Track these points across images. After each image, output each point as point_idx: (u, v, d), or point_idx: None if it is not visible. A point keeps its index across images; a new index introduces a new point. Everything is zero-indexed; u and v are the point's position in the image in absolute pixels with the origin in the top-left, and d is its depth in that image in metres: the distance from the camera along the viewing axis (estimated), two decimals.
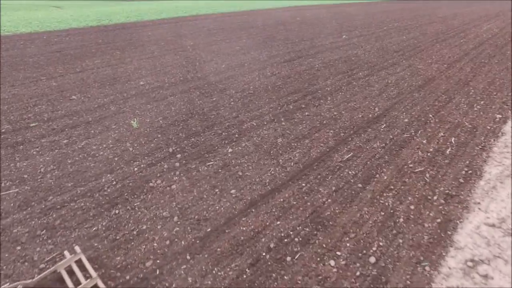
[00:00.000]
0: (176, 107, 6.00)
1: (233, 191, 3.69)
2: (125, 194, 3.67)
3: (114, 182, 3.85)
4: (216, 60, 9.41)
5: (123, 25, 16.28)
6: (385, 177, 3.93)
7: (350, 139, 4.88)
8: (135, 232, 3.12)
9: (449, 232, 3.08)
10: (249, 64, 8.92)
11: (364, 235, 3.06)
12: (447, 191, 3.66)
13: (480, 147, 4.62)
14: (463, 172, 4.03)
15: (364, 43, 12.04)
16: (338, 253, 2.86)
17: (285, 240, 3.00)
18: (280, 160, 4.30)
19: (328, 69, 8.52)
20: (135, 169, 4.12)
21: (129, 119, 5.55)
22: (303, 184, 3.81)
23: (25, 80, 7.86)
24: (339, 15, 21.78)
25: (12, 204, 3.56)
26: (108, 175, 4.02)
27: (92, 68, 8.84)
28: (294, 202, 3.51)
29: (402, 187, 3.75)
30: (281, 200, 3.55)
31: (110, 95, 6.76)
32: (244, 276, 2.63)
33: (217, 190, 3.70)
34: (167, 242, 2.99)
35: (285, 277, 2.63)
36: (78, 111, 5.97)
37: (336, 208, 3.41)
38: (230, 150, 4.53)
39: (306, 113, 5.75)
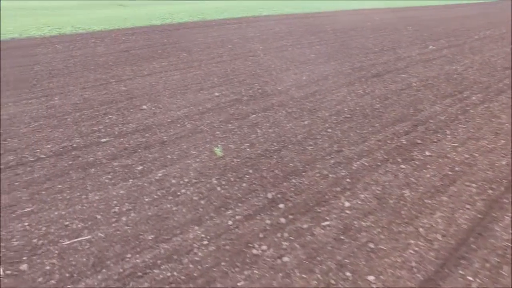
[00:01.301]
0: (263, 130, 5.06)
1: (370, 277, 2.63)
2: (222, 263, 2.75)
3: (206, 242, 2.97)
4: (293, 69, 8.40)
5: (186, 25, 15.90)
6: None
7: (505, 200, 3.61)
8: None
9: None
10: (333, 77, 7.80)
11: None
12: None
13: None
14: None
15: (459, 56, 10.38)
16: None
17: None
18: (420, 228, 3.17)
19: (430, 89, 7.15)
20: (229, 222, 3.21)
21: (209, 142, 4.71)
22: (466, 275, 2.65)
23: (95, 82, 7.43)
24: (411, 20, 19.84)
25: (85, 260, 2.79)
26: (196, 227, 3.15)
27: (160, 72, 8.26)
28: None
29: None
30: None
31: (183, 107, 6.01)
32: None
33: (347, 273, 2.66)
34: None
35: None
36: (150, 126, 5.26)
37: None
38: (346, 203, 3.47)
39: (427, 153, 4.53)
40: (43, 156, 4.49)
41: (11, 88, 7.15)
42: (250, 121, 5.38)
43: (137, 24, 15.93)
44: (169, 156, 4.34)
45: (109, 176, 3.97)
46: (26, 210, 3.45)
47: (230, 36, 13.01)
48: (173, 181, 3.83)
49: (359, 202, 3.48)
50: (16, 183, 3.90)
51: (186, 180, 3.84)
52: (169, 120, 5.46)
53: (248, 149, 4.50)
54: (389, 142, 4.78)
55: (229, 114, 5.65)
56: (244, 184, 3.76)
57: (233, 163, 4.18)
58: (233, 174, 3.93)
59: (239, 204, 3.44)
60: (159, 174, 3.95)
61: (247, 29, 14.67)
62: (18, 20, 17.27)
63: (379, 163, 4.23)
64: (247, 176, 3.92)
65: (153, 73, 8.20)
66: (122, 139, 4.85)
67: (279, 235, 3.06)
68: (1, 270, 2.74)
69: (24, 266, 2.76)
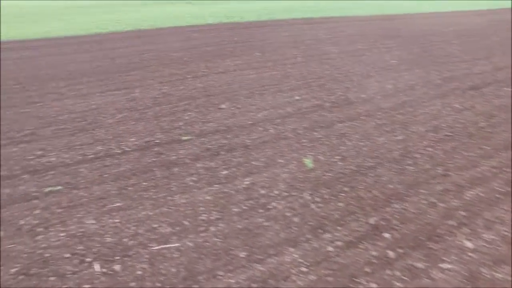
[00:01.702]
0: (352, 143, 4.62)
1: None
2: None
3: (304, 269, 2.65)
4: (376, 76, 7.78)
5: (255, 24, 15.81)
6: None
7: None
8: None
9: None
10: (421, 88, 7.07)
11: None
12: None
13: None
14: None
15: None
16: None
17: None
18: None
19: None
20: (329, 247, 2.85)
21: (296, 151, 4.40)
22: None
23: (171, 77, 7.52)
24: (501, 25, 17.76)
25: (175, 270, 2.63)
26: (292, 249, 2.84)
27: (234, 70, 8.16)
28: None
29: None
30: None
31: (263, 109, 5.78)
32: None
33: None
34: None
35: None
36: (231, 127, 5.09)
37: None
38: (467, 243, 2.93)
39: None
40: (128, 149, 4.52)
41: (98, 79, 7.51)
42: (337, 130, 4.97)
43: (208, 21, 16.22)
44: (254, 163, 4.11)
45: (194, 178, 3.84)
46: (115, 205, 3.41)
47: (302, 37, 12.62)
48: (262, 191, 3.57)
49: (485, 245, 2.91)
50: (105, 175, 3.92)
51: (276, 192, 3.56)
52: (250, 122, 5.25)
53: (339, 163, 4.10)
54: (507, 170, 4.07)
55: (312, 120, 5.29)
56: (340, 204, 3.38)
57: (325, 177, 3.82)
58: (327, 191, 3.57)
59: (338, 228, 3.07)
60: (246, 182, 3.72)
61: (318, 30, 14.16)
62: (97, 16, 18.59)
63: (499, 196, 3.58)
64: (342, 194, 3.53)
65: (227, 71, 8.13)
66: (203, 139, 4.74)
67: (389, 272, 2.63)
68: (98, 267, 2.68)
69: (117, 267, 2.67)
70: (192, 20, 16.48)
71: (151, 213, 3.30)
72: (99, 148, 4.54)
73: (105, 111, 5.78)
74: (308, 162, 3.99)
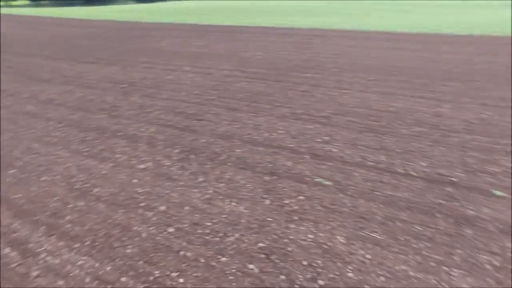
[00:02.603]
0: None
1: None
2: None
3: None
4: None
5: None
6: None
7: None
8: None
9: None
10: None
11: None
12: None
13: None
14: None
15: None
16: None
17: None
18: None
19: None
20: None
21: None
22: None
23: (503, 101, 5.77)
24: None
25: None
26: None
27: None
28: None
29: None
30: None
31: None
32: None
33: None
34: None
35: None
36: None
37: None
38: None
39: None
40: (413, 173, 3.75)
41: (408, 81, 6.98)
42: None
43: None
44: None
45: (486, 258, 2.58)
46: (372, 234, 2.82)
47: None
48: None
49: None
50: (377, 193, 3.38)
51: None
52: None
53: None
54: None
55: None
56: None
57: None
58: None
59: None
60: None
61: None
62: (447, 17, 17.63)
63: None
64: None
65: None
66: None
67: None
68: None
69: None
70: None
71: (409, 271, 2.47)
72: (382, 157, 4.04)
73: (404, 118, 5.18)
74: None
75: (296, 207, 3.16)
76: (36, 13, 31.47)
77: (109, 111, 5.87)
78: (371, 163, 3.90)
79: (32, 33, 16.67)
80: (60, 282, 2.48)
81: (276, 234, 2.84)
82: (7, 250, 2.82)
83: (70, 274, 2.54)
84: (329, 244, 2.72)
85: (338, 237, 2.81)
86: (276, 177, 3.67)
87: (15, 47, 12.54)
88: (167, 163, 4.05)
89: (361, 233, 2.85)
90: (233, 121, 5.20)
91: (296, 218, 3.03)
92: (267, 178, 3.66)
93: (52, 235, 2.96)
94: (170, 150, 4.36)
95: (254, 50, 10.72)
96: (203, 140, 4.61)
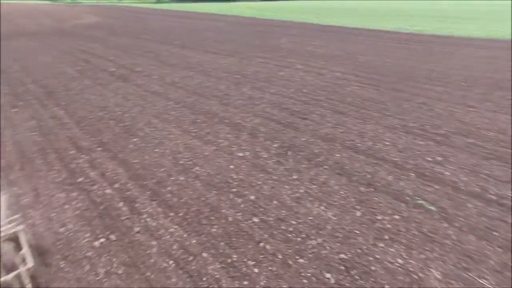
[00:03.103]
0: None
1: None
2: None
3: None
4: None
5: None
6: None
7: None
8: None
9: None
10: None
11: None
12: None
13: None
14: None
15: None
16: None
17: None
18: None
19: None
20: None
21: None
22: None
23: None
24: None
25: None
26: None
27: None
28: None
29: None
30: None
31: None
32: None
33: None
34: None
35: None
36: None
37: None
38: None
39: None
40: None
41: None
42: None
43: None
44: None
45: None
46: None
47: None
48: None
49: None
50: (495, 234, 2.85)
51: None
52: None
53: None
54: None
55: None
56: None
57: None
58: None
59: None
60: None
61: None
62: None
63: None
64: None
65: None
66: None
67: None
68: None
69: None
70: None
71: None
72: (509, 193, 3.37)
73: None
74: None
75: (389, 226, 2.89)
76: (176, 8, 36.03)
77: (221, 98, 6.32)
78: (493, 197, 3.29)
79: (170, 25, 19.13)
80: (153, 243, 2.78)
81: (361, 249, 2.64)
82: (120, 204, 3.30)
83: (162, 238, 2.83)
84: (420, 275, 2.41)
85: (433, 270, 2.46)
86: (372, 189, 3.41)
87: (156, 36, 14.57)
88: (264, 155, 4.16)
89: (464, 274, 2.44)
90: (337, 124, 5.03)
91: (386, 237, 2.76)
92: (362, 188, 3.44)
93: (154, 200, 3.35)
94: (270, 144, 4.46)
95: (372, 54, 10.17)
96: (304, 139, 4.58)
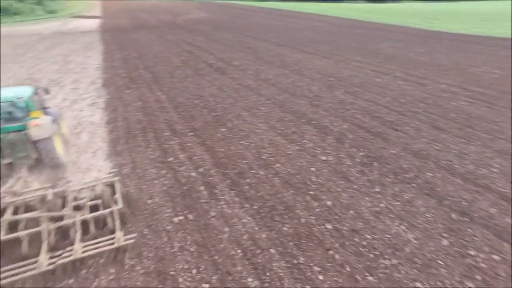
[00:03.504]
0: None
1: None
2: None
3: None
4: None
5: None
6: None
7: None
8: None
9: None
10: None
11: None
12: None
13: None
14: None
15: None
16: None
17: None
18: None
19: None
20: None
21: None
22: None
23: None
24: None
25: None
26: None
27: None
28: None
29: None
30: None
31: None
32: None
33: None
34: None
35: None
36: None
37: None
38: None
39: None
40: None
41: None
42: None
43: None
44: None
45: None
46: None
47: None
48: None
49: None
50: None
51: None
52: None
53: None
54: None
55: None
56: None
57: None
58: None
59: None
60: None
61: None
62: None
63: None
64: None
65: None
66: None
67: None
68: None
69: None
70: None
71: None
72: None
73: None
74: None
75: (483, 265, 2.54)
76: (280, 6, 36.70)
77: (311, 99, 6.29)
78: None
79: (271, 23, 19.62)
80: (226, 229, 2.94)
81: (442, 282, 2.39)
82: (202, 187, 3.56)
83: (234, 226, 2.97)
84: None
85: None
86: (467, 219, 3.04)
87: (256, 33, 15.12)
88: (348, 163, 4.03)
89: None
90: (433, 140, 4.60)
91: (478, 277, 2.44)
92: (455, 216, 3.09)
93: (233, 190, 3.52)
94: (355, 151, 4.30)
95: (486, 65, 8.91)
96: (393, 151, 4.30)
